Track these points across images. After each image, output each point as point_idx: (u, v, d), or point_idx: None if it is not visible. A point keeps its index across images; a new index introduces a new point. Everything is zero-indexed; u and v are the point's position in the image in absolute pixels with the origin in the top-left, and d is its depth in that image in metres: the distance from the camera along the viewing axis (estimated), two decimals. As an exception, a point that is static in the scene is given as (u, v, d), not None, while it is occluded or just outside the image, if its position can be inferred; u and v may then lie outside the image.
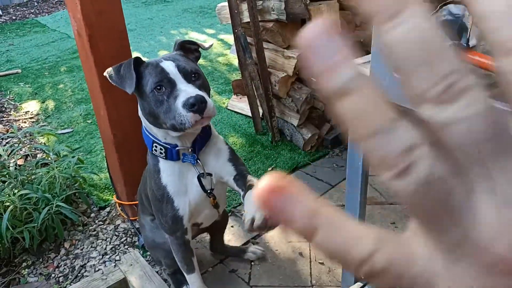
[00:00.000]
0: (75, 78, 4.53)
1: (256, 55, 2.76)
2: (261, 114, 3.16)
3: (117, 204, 2.43)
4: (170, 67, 1.27)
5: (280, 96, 2.86)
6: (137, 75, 1.29)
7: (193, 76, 1.28)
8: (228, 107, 3.60)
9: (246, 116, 3.44)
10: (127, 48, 2.00)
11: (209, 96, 1.30)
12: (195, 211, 1.51)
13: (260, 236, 2.25)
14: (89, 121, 3.60)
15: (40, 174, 2.27)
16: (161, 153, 1.39)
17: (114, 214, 2.43)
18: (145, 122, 1.41)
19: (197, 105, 1.19)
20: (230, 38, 5.52)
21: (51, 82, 4.47)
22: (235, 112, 3.52)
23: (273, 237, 2.23)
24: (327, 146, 3.00)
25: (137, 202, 2.28)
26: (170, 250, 1.67)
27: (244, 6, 2.69)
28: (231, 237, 2.26)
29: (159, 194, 1.45)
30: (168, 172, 1.42)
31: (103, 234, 2.30)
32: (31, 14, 7.58)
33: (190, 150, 1.40)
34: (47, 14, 7.54)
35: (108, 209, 2.48)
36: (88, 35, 1.85)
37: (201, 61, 4.82)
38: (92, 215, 2.45)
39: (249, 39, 2.82)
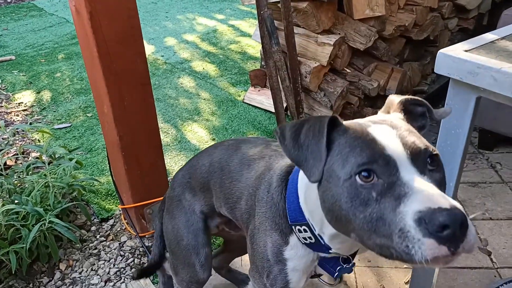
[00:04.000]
0: (73, 66, 4.13)
1: (285, 41, 2.36)
2: (285, 108, 2.78)
3: (122, 216, 2.05)
4: (387, 136, 0.73)
5: (310, 89, 2.47)
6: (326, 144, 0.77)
7: (429, 163, 0.72)
8: (245, 101, 3.20)
9: (266, 111, 3.05)
10: (138, 29, 1.60)
11: None
12: None
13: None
14: (89, 115, 3.21)
15: (31, 182, 1.89)
16: (305, 239, 0.95)
17: (118, 229, 2.06)
18: (305, 199, 0.92)
19: (452, 231, 0.61)
20: (242, 24, 5.12)
21: (47, 71, 4.06)
22: (253, 106, 3.13)
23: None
24: (363, 147, 2.62)
25: (145, 203, 1.90)
26: (206, 262, 1.31)
27: (272, -17, 2.29)
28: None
29: (272, 259, 1.02)
30: (299, 253, 1.00)
31: (106, 254, 1.93)
32: (27, -3, 7.12)
33: (344, 259, 0.99)
34: (44, -2, 7.09)
35: (111, 221, 2.11)
36: (89, 12, 1.45)
37: (211, 48, 4.42)
38: (93, 228, 2.07)
39: (276, 23, 2.42)
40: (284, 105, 2.73)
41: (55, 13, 6.10)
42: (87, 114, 3.22)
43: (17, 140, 2.84)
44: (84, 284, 1.79)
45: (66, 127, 3.07)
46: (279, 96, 2.65)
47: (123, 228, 2.05)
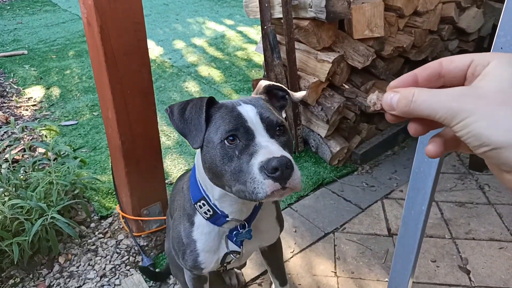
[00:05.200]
0: (83, 64, 4.25)
1: (286, 56, 2.46)
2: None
3: (120, 215, 2.16)
4: (250, 113, 0.98)
5: (308, 103, 2.57)
6: (205, 118, 1.01)
7: (278, 130, 0.98)
8: (247, 108, 3.30)
9: (266, 119, 3.15)
10: (144, 42, 1.71)
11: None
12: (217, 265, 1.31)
13: (281, 265, 1.98)
14: (95, 113, 3.33)
15: (36, 178, 2.00)
16: (205, 213, 1.15)
17: (116, 227, 2.16)
18: (199, 172, 1.14)
19: (280, 171, 0.87)
20: (250, 31, 5.21)
21: (57, 67, 4.19)
22: (254, 114, 3.22)
23: (296, 267, 1.96)
24: (356, 161, 2.70)
25: (142, 218, 2.01)
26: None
27: (277, 0, 2.38)
28: (248, 263, 1.99)
29: (185, 241, 1.24)
30: (204, 230, 1.20)
31: (103, 250, 2.03)
32: (42, -8, 7.26)
33: (242, 225, 1.17)
34: (59, -7, 7.23)
35: (110, 219, 2.21)
36: (99, 25, 1.56)
37: (217, 53, 4.53)
38: (92, 225, 2.18)
39: (278, 37, 2.52)
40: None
41: (69, 9, 6.24)
42: (93, 113, 3.34)
43: (26, 134, 2.95)
44: (80, 278, 1.89)
45: (73, 124, 3.18)
46: (278, 107, 2.74)
47: (121, 226, 2.16)
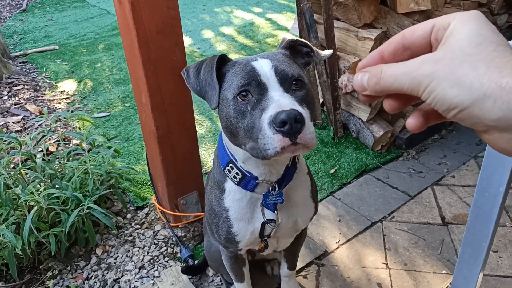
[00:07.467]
0: (113, 57, 4.23)
1: (324, 35, 2.31)
2: (321, 104, 2.72)
3: (157, 206, 2.08)
4: (264, 67, 0.91)
5: (349, 85, 2.41)
6: (219, 76, 0.97)
7: (294, 84, 0.91)
8: (281, 95, 3.17)
9: (301, 105, 3.01)
10: (177, 20, 1.60)
11: (311, 116, 0.92)
12: (256, 241, 1.20)
13: (326, 257, 1.85)
14: (127, 105, 3.28)
15: (71, 168, 1.95)
16: (235, 177, 1.09)
17: (153, 217, 2.09)
18: (224, 135, 1.09)
19: (289, 125, 0.80)
20: (279, 18, 5.07)
21: (88, 61, 4.18)
22: (289, 100, 3.09)
23: (342, 258, 1.83)
24: (401, 146, 2.53)
25: (177, 214, 1.92)
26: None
27: (313, -25, 2.24)
28: (290, 254, 1.87)
29: (217, 210, 1.18)
30: (235, 197, 1.13)
31: (140, 241, 1.96)
32: (71, -11, 7.34)
33: (273, 187, 1.08)
34: (87, -11, 7.29)
35: (146, 209, 2.14)
36: (130, 2, 1.47)
37: (247, 41, 4.41)
38: (128, 216, 2.12)
39: (315, 17, 2.37)
40: (321, 100, 2.68)
41: (97, 4, 6.27)
42: (125, 104, 3.29)
43: (59, 127, 2.93)
44: (119, 269, 1.83)
45: (105, 116, 3.14)
46: (315, 91, 2.60)
47: (157, 217, 2.08)
